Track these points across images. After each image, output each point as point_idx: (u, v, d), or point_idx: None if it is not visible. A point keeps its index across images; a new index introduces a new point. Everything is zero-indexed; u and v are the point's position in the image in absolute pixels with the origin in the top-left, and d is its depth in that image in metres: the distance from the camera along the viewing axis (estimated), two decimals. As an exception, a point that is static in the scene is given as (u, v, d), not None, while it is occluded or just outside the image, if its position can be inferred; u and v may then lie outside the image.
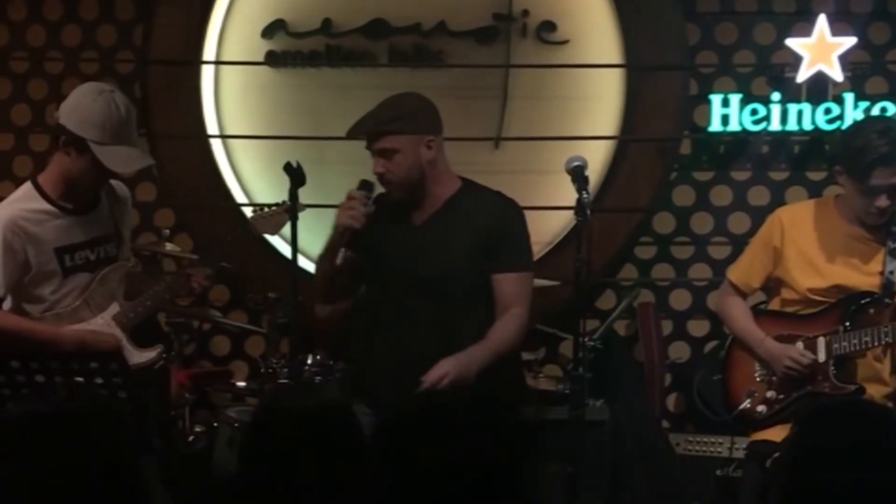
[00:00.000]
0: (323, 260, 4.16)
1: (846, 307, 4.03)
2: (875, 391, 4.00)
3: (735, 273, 4.35)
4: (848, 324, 4.02)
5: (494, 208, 4.10)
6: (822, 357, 4.05)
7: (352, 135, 4.12)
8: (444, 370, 3.85)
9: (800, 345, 4.09)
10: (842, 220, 4.11)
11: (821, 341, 4.06)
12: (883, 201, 3.98)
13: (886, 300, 4.00)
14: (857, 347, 4.00)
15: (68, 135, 3.92)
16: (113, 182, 4.24)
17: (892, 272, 4.01)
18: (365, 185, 4.08)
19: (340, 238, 4.05)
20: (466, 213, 4.08)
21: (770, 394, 4.14)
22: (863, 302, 4.02)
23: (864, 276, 4.05)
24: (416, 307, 4.04)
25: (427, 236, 4.08)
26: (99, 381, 3.73)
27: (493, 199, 4.13)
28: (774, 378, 4.13)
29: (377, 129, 4.03)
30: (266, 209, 4.56)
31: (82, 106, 3.95)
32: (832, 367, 4.03)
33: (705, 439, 5.34)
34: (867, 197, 4.00)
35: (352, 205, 4.03)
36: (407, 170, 4.02)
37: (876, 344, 3.97)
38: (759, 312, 4.30)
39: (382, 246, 4.09)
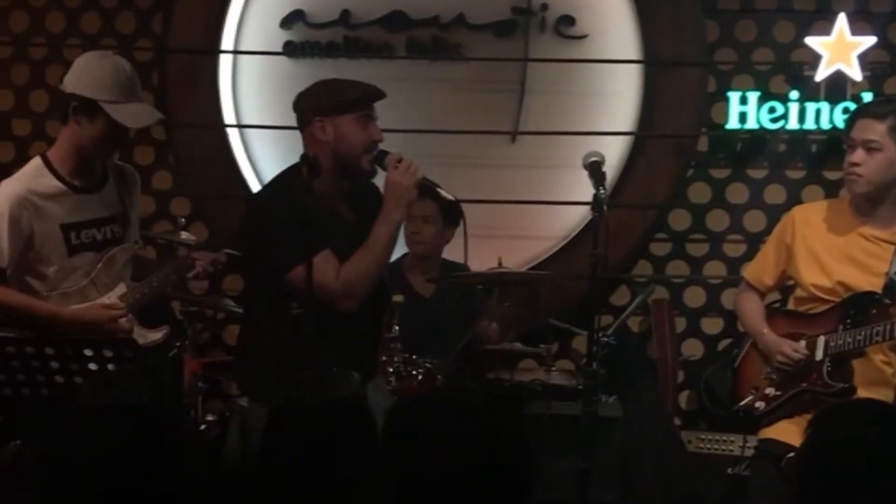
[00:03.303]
0: (386, 250, 3.97)
1: (848, 307, 4.04)
2: (880, 395, 3.97)
3: (750, 271, 4.39)
4: (849, 322, 4.02)
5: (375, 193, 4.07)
6: (819, 355, 4.06)
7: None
8: None
9: (802, 343, 4.10)
10: (854, 218, 4.11)
11: (820, 340, 4.07)
12: (856, 156, 4.00)
13: (887, 300, 3.99)
14: (851, 346, 4.00)
15: (79, 100, 3.96)
16: (122, 164, 4.27)
17: None
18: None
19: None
20: (374, 203, 4.00)
21: (769, 390, 4.17)
22: (864, 302, 4.01)
23: (869, 275, 4.04)
24: None
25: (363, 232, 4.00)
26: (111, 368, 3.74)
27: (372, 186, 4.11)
28: (776, 375, 4.14)
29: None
30: None
31: (89, 70, 4.01)
32: (827, 366, 4.04)
33: (717, 437, 5.34)
34: (847, 157, 4.05)
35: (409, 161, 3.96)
36: None
37: (868, 343, 3.97)
38: (772, 311, 4.32)
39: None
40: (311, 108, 4.01)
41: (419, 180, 3.89)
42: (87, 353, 3.67)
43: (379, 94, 4.03)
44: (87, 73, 3.99)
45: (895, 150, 3.98)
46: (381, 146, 3.97)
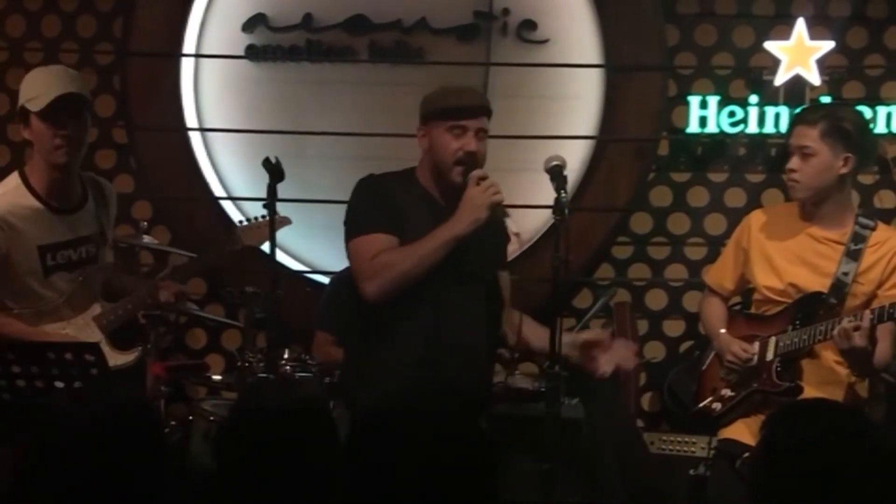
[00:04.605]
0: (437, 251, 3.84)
1: (798, 308, 4.09)
2: (831, 395, 4.01)
3: (711, 275, 4.43)
4: (797, 323, 4.06)
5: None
6: (770, 355, 4.11)
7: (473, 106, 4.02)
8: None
9: (756, 344, 4.14)
10: (803, 221, 4.16)
11: (771, 340, 4.12)
12: (792, 162, 4.07)
13: (832, 300, 4.04)
14: (798, 346, 4.05)
15: (20, 113, 3.96)
16: (99, 179, 4.27)
17: (845, 273, 4.05)
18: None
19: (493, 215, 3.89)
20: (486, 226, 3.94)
21: (725, 391, 4.22)
22: (812, 303, 4.06)
23: (819, 276, 4.08)
24: (454, 297, 3.91)
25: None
26: (74, 372, 3.72)
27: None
28: (731, 377, 4.19)
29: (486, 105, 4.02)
30: (253, 220, 4.62)
31: (22, 86, 4.02)
32: (777, 366, 4.09)
33: (679, 438, 5.36)
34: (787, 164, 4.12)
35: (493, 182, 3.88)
36: (484, 156, 4.01)
37: (812, 341, 4.02)
38: (734, 314, 4.36)
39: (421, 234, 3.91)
40: (420, 115, 4.00)
41: (493, 203, 3.83)
42: (51, 355, 3.65)
43: (477, 106, 3.98)
44: (21, 89, 4.01)
45: (829, 153, 4.02)
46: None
